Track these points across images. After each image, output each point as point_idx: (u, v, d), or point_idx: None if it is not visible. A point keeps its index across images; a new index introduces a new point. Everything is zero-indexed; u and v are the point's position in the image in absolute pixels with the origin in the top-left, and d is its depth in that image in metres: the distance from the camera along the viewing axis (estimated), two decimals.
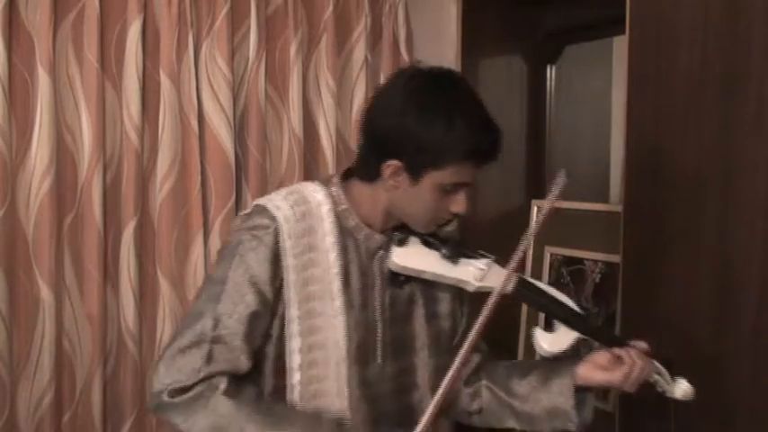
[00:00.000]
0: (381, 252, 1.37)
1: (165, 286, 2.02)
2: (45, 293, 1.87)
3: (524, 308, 2.19)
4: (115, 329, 2.00)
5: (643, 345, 1.37)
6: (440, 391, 1.25)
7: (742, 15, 1.38)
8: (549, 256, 2.11)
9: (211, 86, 2.05)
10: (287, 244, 1.29)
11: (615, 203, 2.05)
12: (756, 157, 1.36)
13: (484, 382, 1.49)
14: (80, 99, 1.94)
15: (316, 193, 1.35)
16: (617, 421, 1.65)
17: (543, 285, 1.42)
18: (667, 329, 1.53)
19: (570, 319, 1.37)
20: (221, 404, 1.23)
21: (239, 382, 1.28)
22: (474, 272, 1.36)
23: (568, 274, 2.04)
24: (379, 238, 1.37)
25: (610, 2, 1.69)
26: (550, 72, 2.38)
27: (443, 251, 1.36)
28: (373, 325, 1.35)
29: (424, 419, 1.23)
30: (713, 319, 1.44)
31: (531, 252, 2.16)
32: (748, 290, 1.38)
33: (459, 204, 1.32)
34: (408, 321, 1.40)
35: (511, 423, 1.47)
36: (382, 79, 2.29)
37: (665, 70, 1.52)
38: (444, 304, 1.44)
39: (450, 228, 1.42)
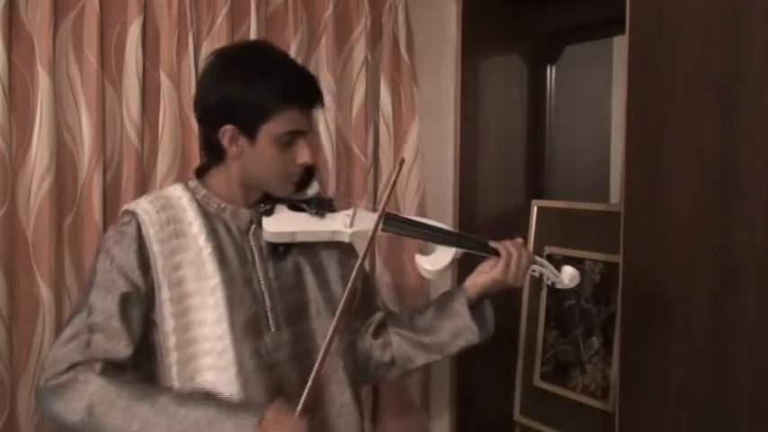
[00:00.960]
0: (254, 226, 1.45)
1: None
2: (45, 293, 1.87)
3: (524, 307, 2.19)
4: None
5: (518, 239, 1.50)
6: (330, 330, 1.32)
7: (742, 15, 1.38)
8: (549, 256, 2.11)
9: None
10: (150, 232, 1.37)
11: (615, 203, 2.05)
12: (756, 157, 1.36)
13: (391, 329, 1.58)
14: (80, 99, 1.94)
15: (173, 191, 1.46)
16: (617, 421, 1.65)
17: (411, 216, 1.55)
18: (668, 330, 1.53)
19: (444, 237, 1.49)
20: (93, 383, 1.28)
21: (119, 369, 1.32)
22: (342, 219, 1.47)
23: None
24: (245, 212, 1.46)
25: (610, 2, 1.69)
26: (550, 72, 2.38)
27: (309, 210, 1.47)
28: (260, 297, 1.42)
29: (312, 375, 1.30)
30: (713, 320, 1.45)
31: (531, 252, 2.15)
32: (748, 290, 1.38)
33: (302, 154, 1.41)
34: (299, 289, 1.47)
35: (422, 360, 1.56)
36: (382, 79, 2.29)
37: (665, 70, 1.52)
38: (332, 270, 1.53)
39: (312, 190, 1.52)
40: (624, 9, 1.59)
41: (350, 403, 1.47)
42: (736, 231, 1.40)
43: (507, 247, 1.46)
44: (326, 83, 2.22)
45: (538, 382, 2.12)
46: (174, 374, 1.36)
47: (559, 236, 2.10)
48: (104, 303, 1.33)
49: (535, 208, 2.20)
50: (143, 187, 2.01)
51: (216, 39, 2.05)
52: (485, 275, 1.48)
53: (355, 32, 2.28)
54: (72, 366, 1.29)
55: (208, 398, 1.32)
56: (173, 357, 1.36)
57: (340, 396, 1.45)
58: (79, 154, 1.95)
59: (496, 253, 1.46)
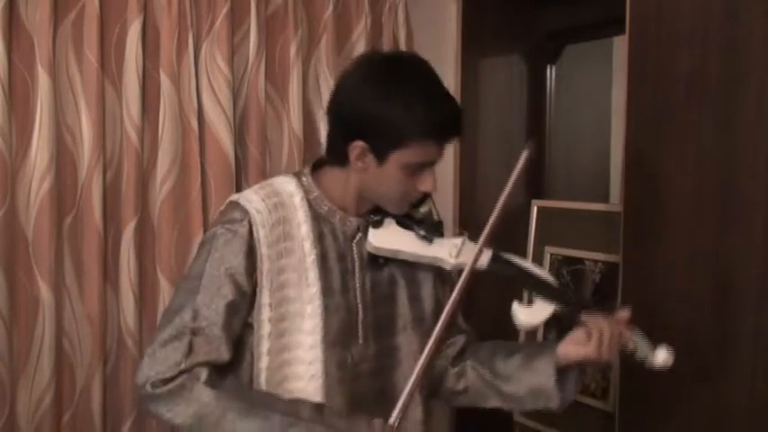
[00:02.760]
0: (359, 235, 1.41)
1: (165, 286, 2.01)
2: (45, 293, 1.87)
3: None
4: (115, 329, 2.00)
5: (625, 313, 1.38)
6: (418, 366, 1.28)
7: (742, 15, 1.38)
8: (549, 256, 2.11)
9: (211, 86, 2.05)
10: (260, 234, 1.32)
11: (615, 203, 2.05)
12: (756, 157, 1.36)
13: (469, 362, 1.52)
14: (80, 99, 1.94)
15: (287, 185, 1.39)
16: (617, 421, 1.65)
17: (519, 259, 1.45)
18: (667, 329, 1.53)
19: (547, 292, 1.40)
20: (202, 393, 1.27)
21: (220, 373, 1.31)
22: (449, 249, 1.40)
23: (568, 274, 2.04)
24: (354, 221, 1.41)
25: (610, 2, 1.69)
26: (550, 72, 2.38)
27: (419, 231, 1.41)
28: (354, 308, 1.39)
29: (405, 393, 1.27)
30: (713, 319, 1.45)
31: (531, 252, 2.16)
32: (748, 290, 1.38)
33: (426, 183, 1.36)
34: (392, 302, 1.44)
35: (495, 402, 1.51)
36: None
37: (665, 70, 1.52)
38: (426, 287, 1.48)
39: (425, 208, 1.47)
40: (624, 9, 1.59)
41: (419, 422, 1.44)
42: (736, 232, 1.40)
43: (598, 324, 1.35)
44: (326, 82, 2.22)
45: None
46: (262, 381, 1.33)
47: (559, 236, 2.10)
48: (209, 310, 1.31)
49: (535, 208, 2.20)
50: (143, 187, 2.01)
51: (216, 39, 2.05)
52: (577, 349, 1.38)
53: (355, 32, 2.28)
54: (179, 374, 1.28)
55: (318, 412, 1.30)
56: (263, 362, 1.33)
57: (412, 413, 1.41)
58: (79, 154, 1.95)
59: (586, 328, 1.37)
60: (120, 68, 1.98)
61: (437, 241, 1.42)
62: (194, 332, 1.30)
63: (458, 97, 2.24)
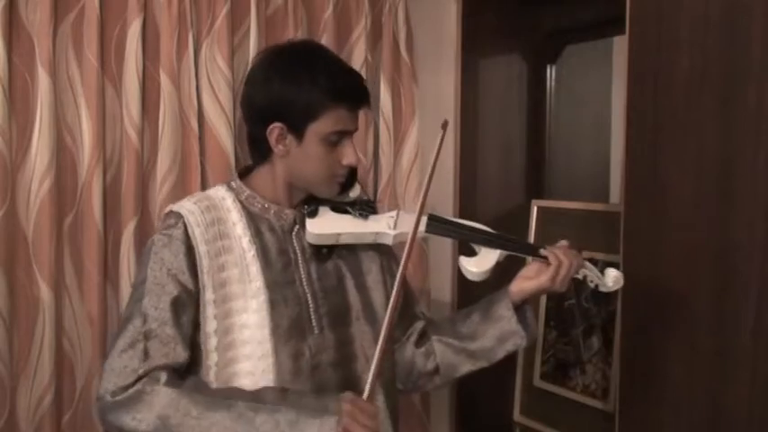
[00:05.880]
0: (297, 227, 1.45)
1: None
2: (45, 293, 1.87)
3: None
4: (115, 330, 1.99)
5: (564, 243, 1.48)
6: (381, 338, 1.30)
7: (742, 15, 1.38)
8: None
9: (211, 86, 2.05)
10: (196, 232, 1.36)
11: (615, 203, 2.05)
12: (756, 157, 1.36)
13: (434, 338, 1.55)
14: (80, 99, 1.94)
15: (217, 192, 1.46)
16: (617, 421, 1.65)
17: (453, 218, 1.53)
18: (668, 330, 1.53)
19: (488, 239, 1.47)
20: (163, 394, 1.27)
21: (181, 375, 1.32)
22: (386, 221, 1.46)
23: None
24: (290, 213, 1.45)
25: (610, 2, 1.69)
26: (550, 72, 2.38)
27: (353, 212, 1.47)
28: (303, 298, 1.41)
29: (373, 364, 1.28)
30: (713, 320, 1.45)
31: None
32: (748, 290, 1.38)
33: (348, 155, 1.41)
34: (341, 293, 1.47)
35: (467, 367, 1.54)
36: (382, 79, 2.29)
37: (665, 70, 1.52)
38: (372, 275, 1.51)
39: (354, 192, 1.51)
40: (624, 9, 1.59)
41: (382, 411, 1.44)
42: (736, 231, 1.40)
43: (558, 256, 1.43)
44: None
45: (538, 382, 2.12)
46: (212, 377, 1.34)
47: (559, 236, 2.08)
48: (157, 311, 1.32)
49: (535, 208, 2.20)
50: (143, 187, 2.01)
51: (216, 39, 2.05)
52: (531, 282, 1.45)
53: (355, 32, 2.28)
54: (137, 379, 1.28)
55: (282, 395, 1.30)
56: (212, 359, 1.35)
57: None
58: (79, 154, 1.95)
59: (546, 260, 1.44)
60: (120, 68, 1.98)
61: (373, 217, 1.47)
62: (147, 336, 1.31)
63: (458, 97, 2.25)
